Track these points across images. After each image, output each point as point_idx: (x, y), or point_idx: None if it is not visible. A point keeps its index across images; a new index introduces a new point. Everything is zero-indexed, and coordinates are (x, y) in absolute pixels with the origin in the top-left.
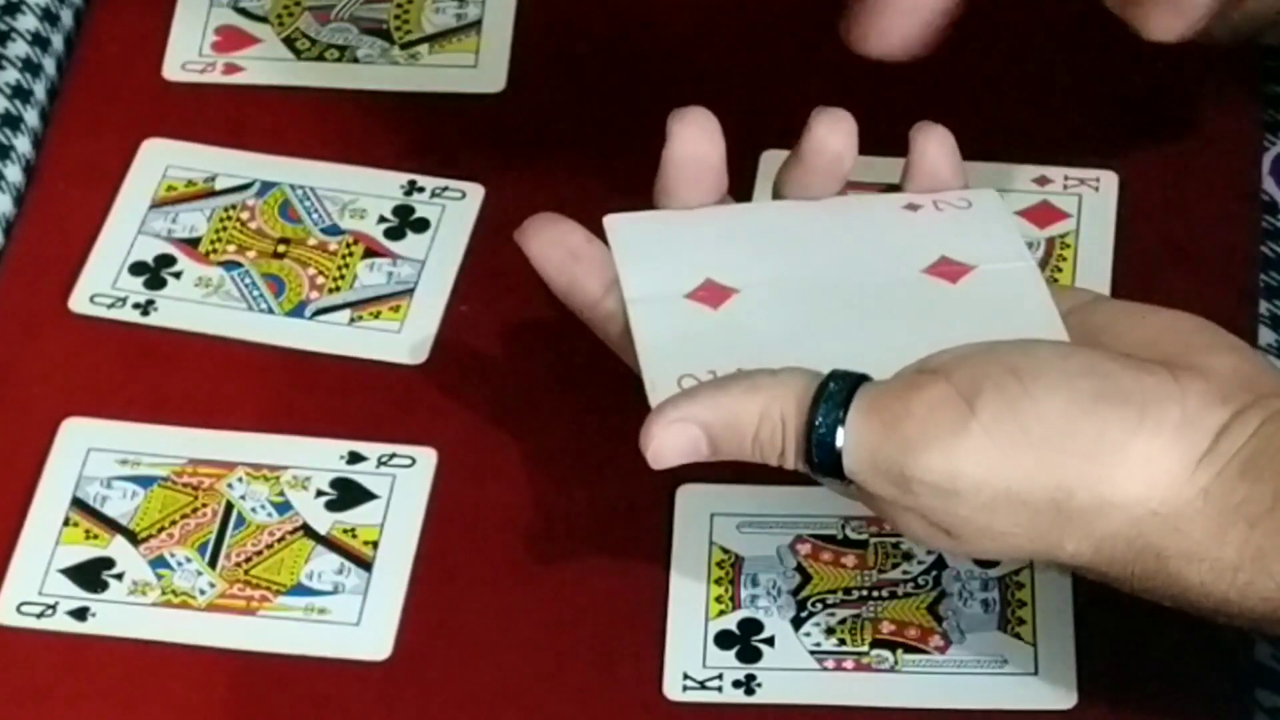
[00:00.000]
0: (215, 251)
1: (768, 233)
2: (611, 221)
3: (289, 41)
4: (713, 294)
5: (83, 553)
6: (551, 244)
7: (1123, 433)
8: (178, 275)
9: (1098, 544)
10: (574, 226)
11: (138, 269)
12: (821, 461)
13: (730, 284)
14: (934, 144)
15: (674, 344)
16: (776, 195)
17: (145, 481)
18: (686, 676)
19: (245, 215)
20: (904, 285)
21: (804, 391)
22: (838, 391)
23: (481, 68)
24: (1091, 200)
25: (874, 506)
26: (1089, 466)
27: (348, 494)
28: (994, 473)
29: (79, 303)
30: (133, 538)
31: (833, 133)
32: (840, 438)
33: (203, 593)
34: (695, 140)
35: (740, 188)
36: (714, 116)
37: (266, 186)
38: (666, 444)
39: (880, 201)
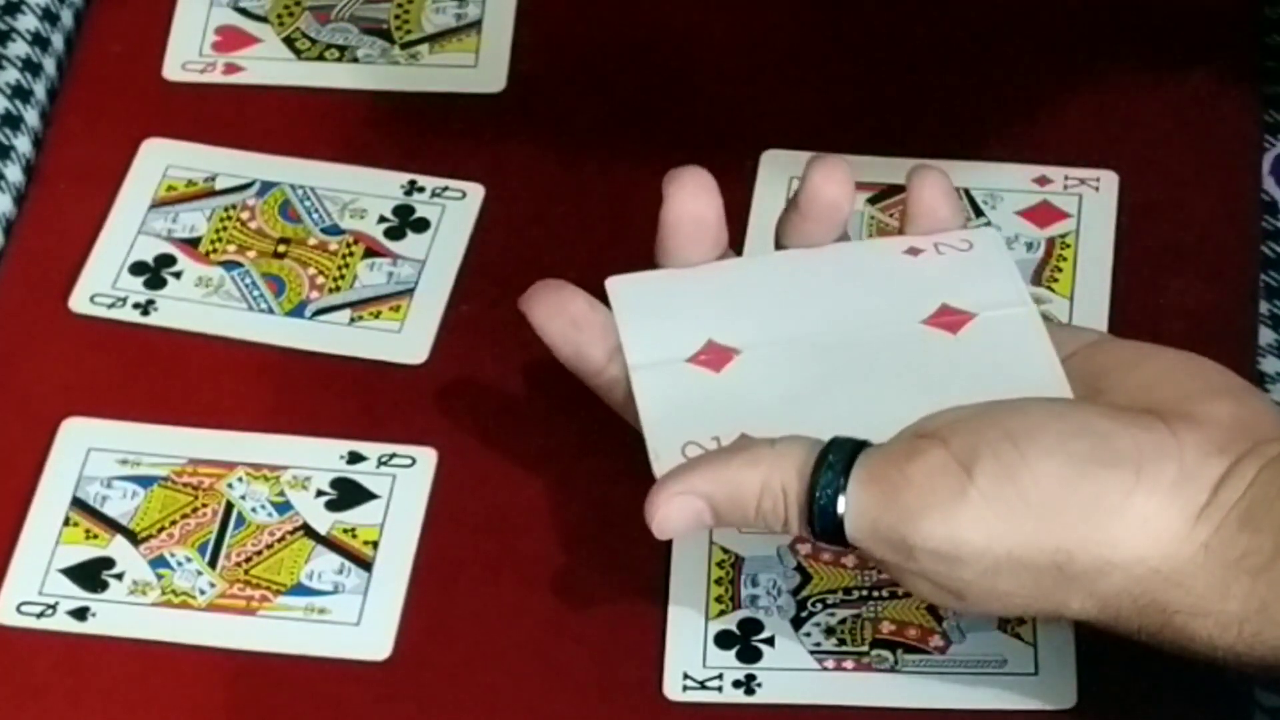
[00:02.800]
0: (215, 251)
1: (768, 288)
2: (613, 284)
3: (289, 41)
4: (715, 357)
5: (83, 553)
6: (554, 313)
7: (1120, 494)
8: (178, 275)
9: (1102, 602)
10: (575, 293)
11: (138, 269)
12: (824, 530)
13: (732, 345)
14: (929, 186)
15: (677, 411)
16: (778, 245)
17: (145, 481)
18: (686, 676)
19: (245, 215)
20: (905, 339)
21: (804, 461)
22: (837, 461)
23: (481, 68)
24: (1091, 200)
25: (881, 569)
26: (1088, 529)
27: (348, 494)
28: (995, 538)
29: (79, 303)
30: (133, 538)
31: (827, 180)
32: (841, 506)
33: (203, 593)
34: (691, 200)
35: (741, 188)
36: (708, 174)
37: (266, 186)
38: (671, 516)
39: (881, 247)
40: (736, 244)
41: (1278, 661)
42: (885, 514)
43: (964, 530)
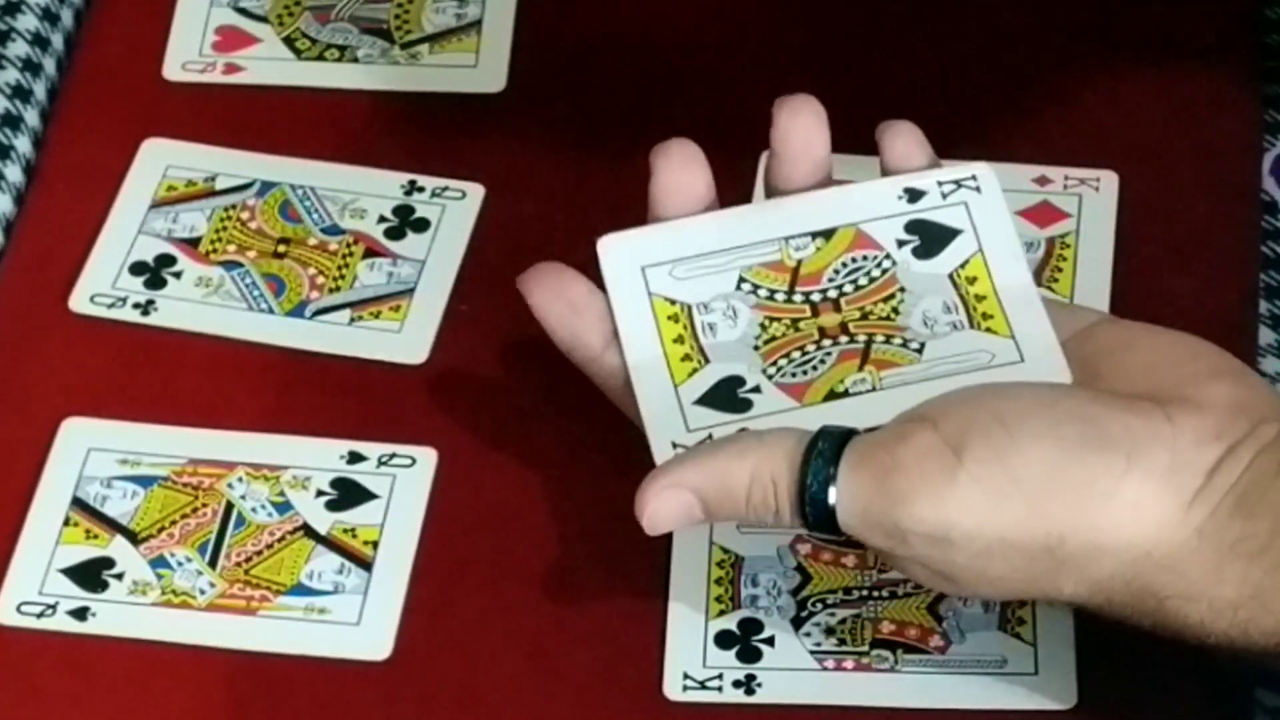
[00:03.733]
0: (215, 251)
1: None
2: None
3: (289, 41)
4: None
5: (83, 553)
6: (553, 296)
7: (1110, 479)
8: (178, 275)
9: (1094, 586)
10: (575, 277)
11: (138, 269)
12: (816, 519)
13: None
14: (902, 136)
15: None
16: (768, 193)
17: (145, 481)
18: (686, 676)
19: (245, 215)
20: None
21: (793, 451)
22: (827, 449)
23: (481, 68)
24: (1091, 200)
25: (876, 555)
26: (1078, 513)
27: (348, 494)
28: (985, 522)
29: (79, 303)
30: (133, 538)
31: (794, 120)
32: (833, 495)
33: (203, 593)
34: (680, 169)
35: (740, 188)
36: (695, 144)
37: (266, 186)
38: (661, 510)
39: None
40: None
41: (1271, 647)
42: (876, 499)
43: (954, 513)
